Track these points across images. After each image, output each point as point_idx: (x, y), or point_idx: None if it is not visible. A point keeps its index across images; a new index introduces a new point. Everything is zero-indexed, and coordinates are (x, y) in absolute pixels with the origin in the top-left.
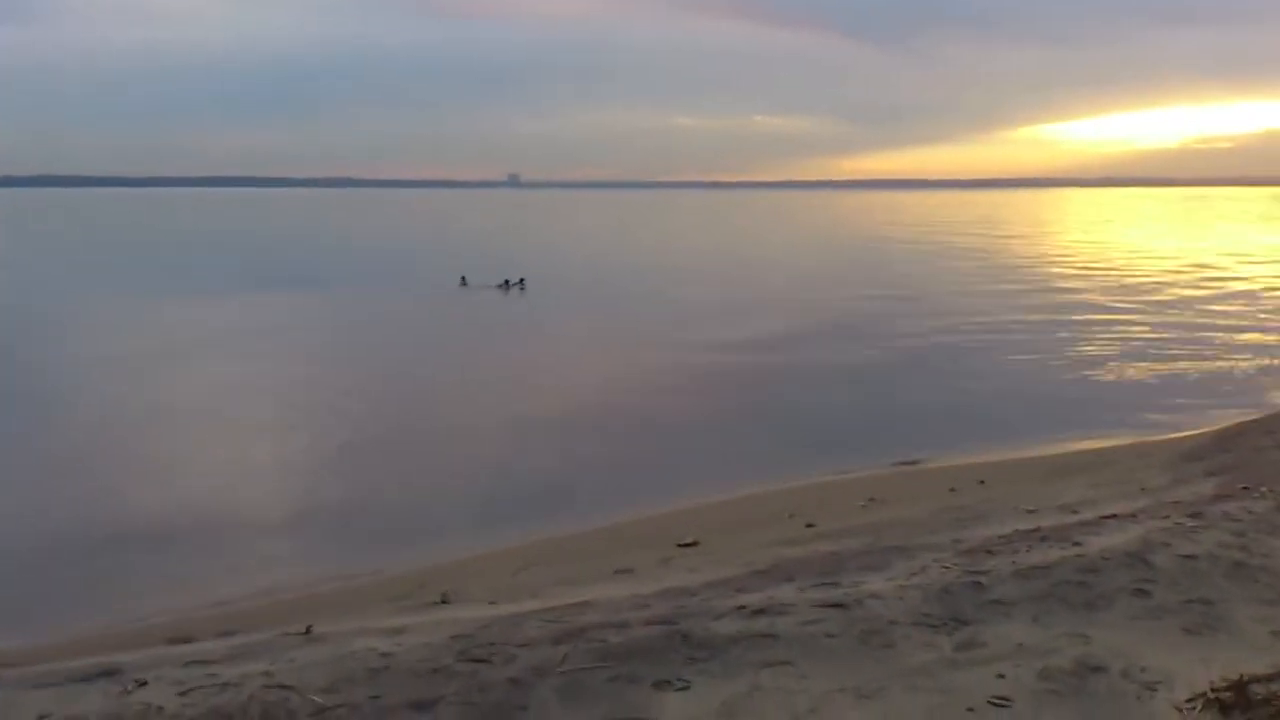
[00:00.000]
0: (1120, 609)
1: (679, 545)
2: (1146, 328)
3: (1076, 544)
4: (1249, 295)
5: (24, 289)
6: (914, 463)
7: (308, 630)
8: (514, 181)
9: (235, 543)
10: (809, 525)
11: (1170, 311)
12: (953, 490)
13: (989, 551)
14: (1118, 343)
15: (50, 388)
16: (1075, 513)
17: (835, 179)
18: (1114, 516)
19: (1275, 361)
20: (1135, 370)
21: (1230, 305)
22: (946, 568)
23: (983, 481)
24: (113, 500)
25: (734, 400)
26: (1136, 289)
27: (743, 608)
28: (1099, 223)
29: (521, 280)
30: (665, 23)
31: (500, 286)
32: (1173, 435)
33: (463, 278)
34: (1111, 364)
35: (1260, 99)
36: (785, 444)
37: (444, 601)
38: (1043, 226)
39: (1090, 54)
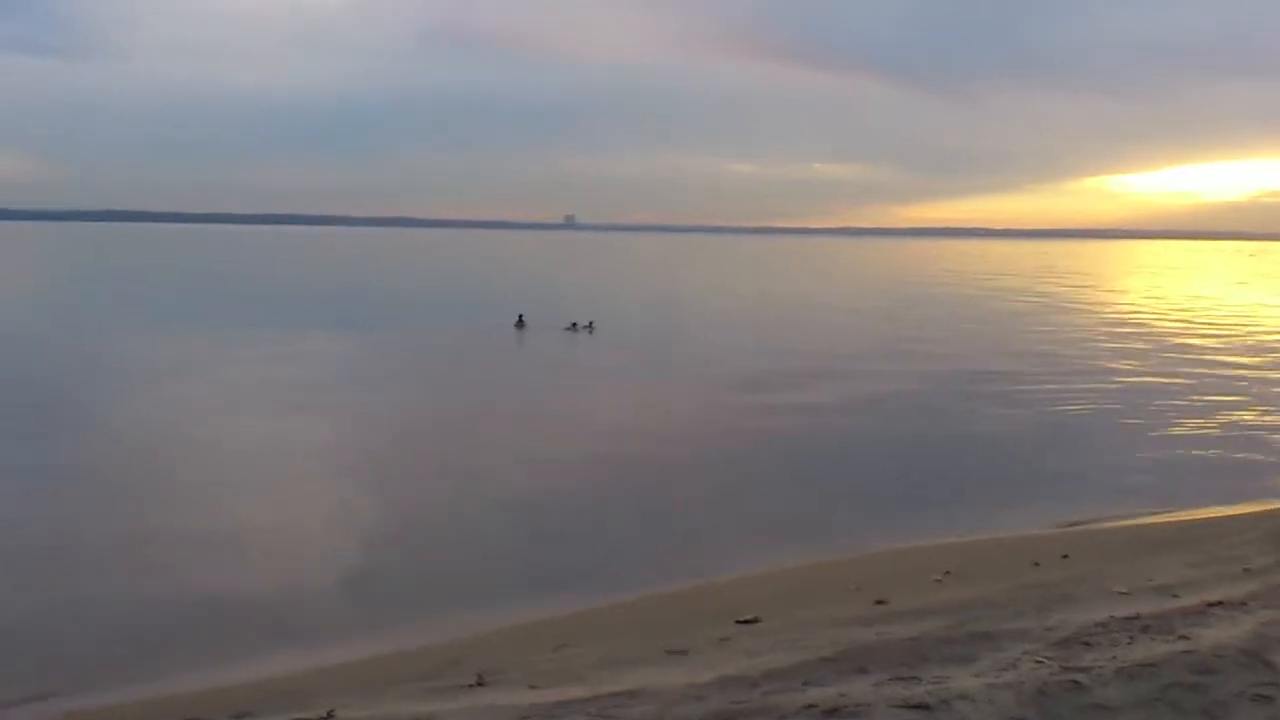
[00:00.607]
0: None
1: (738, 622)
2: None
3: (1184, 637)
4: None
5: (101, 326)
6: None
7: (329, 715)
8: (570, 223)
9: (255, 610)
10: (879, 602)
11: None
12: (1036, 565)
13: (1085, 643)
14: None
15: (89, 430)
16: (1175, 596)
17: (894, 226)
18: (1220, 604)
19: None
20: (1210, 434)
21: None
22: (1040, 662)
23: (1066, 555)
24: (119, 563)
25: (799, 460)
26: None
27: (812, 706)
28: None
29: (590, 324)
30: (723, 68)
31: (568, 329)
32: (1267, 506)
33: (520, 317)
34: (1192, 426)
35: None
36: (850, 506)
37: (479, 684)
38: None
39: (1153, 105)
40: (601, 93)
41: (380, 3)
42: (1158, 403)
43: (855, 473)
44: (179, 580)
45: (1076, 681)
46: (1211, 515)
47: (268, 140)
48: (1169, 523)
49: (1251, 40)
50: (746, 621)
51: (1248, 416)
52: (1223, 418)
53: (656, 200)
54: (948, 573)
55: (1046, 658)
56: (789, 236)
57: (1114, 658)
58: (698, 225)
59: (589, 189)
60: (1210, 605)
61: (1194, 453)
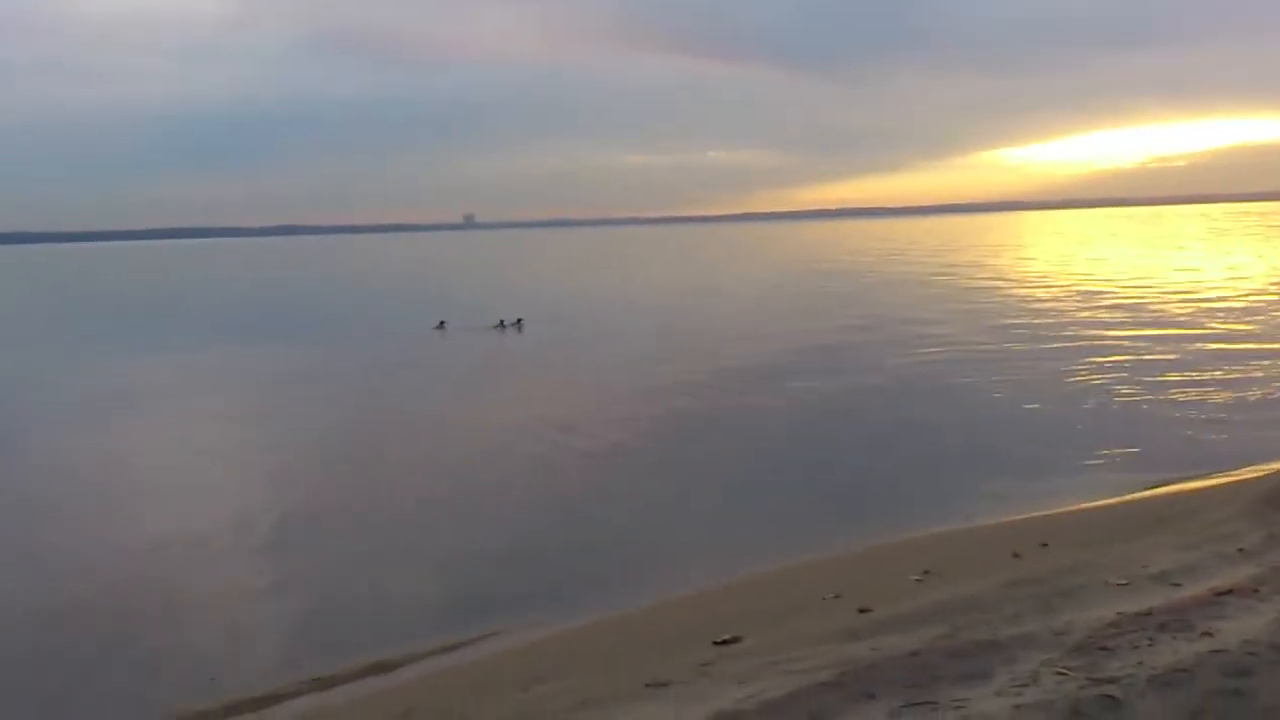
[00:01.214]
0: None
1: (715, 643)
2: (1156, 350)
3: (1206, 634)
4: (1248, 311)
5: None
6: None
7: None
8: (470, 222)
9: (177, 648)
10: (863, 610)
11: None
12: (1016, 556)
13: (1104, 648)
14: (1131, 368)
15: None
16: (1178, 585)
17: (793, 210)
18: (1230, 592)
19: None
20: (1157, 397)
21: (1238, 324)
22: (1063, 674)
23: (1046, 544)
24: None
25: (748, 451)
26: (1133, 309)
27: None
28: (1083, 242)
29: (519, 320)
30: (613, 62)
31: (495, 327)
32: (1239, 475)
33: (441, 322)
34: (1127, 390)
35: (1213, 118)
36: (806, 504)
37: None
38: (1028, 249)
39: (1042, 79)
40: (495, 91)
41: (267, 12)
42: (1104, 373)
43: (806, 469)
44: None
45: (1110, 696)
46: (1186, 489)
47: (157, 157)
48: (1143, 499)
49: (1132, 13)
50: (725, 642)
51: (1181, 378)
52: (1164, 382)
53: (555, 196)
54: (927, 572)
55: (1068, 669)
56: (688, 225)
57: (1141, 663)
58: (597, 219)
59: (487, 188)
60: (1220, 594)
61: (1145, 423)
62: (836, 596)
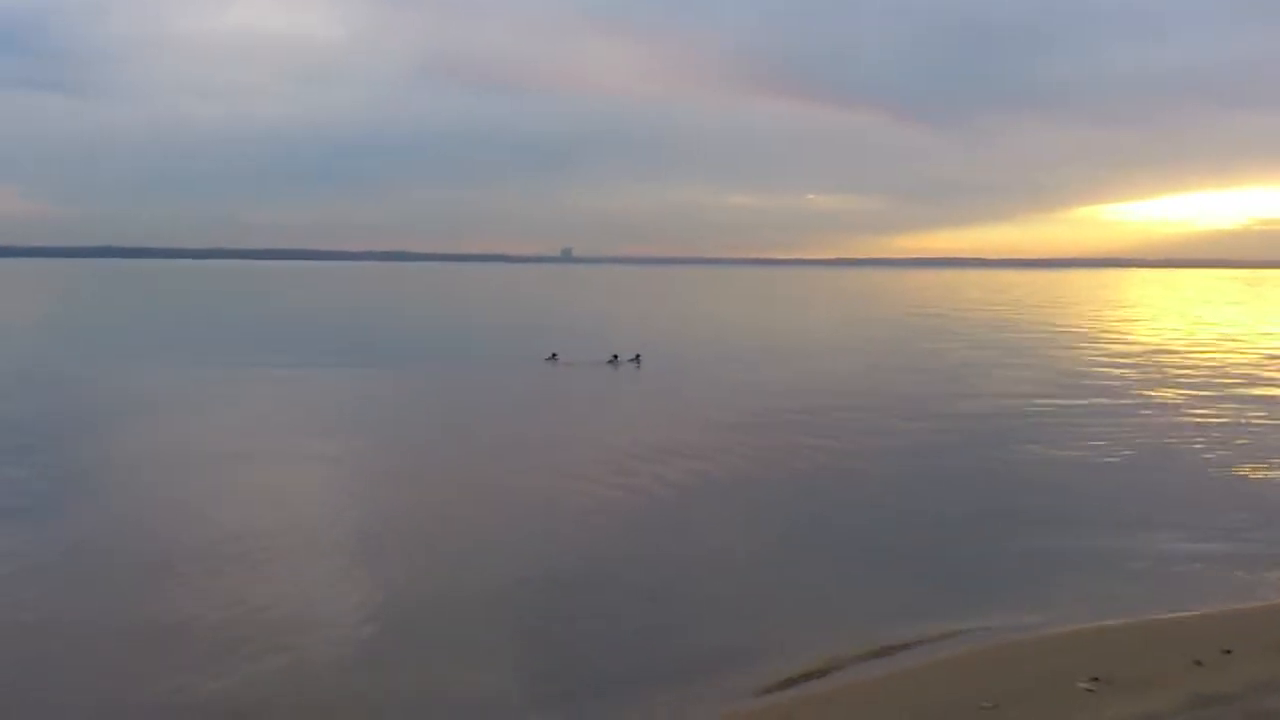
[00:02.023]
0: None
1: None
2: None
3: None
4: None
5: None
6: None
7: None
8: (567, 256)
9: None
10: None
11: None
12: (1198, 664)
13: None
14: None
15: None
16: None
17: (889, 256)
18: None
19: None
20: None
21: None
22: None
23: (1229, 650)
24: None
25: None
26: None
27: None
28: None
29: (637, 356)
30: (721, 102)
31: (609, 362)
32: None
33: (553, 354)
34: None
35: None
36: (928, 578)
37: None
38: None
39: (1148, 135)
40: (598, 126)
41: (380, 38)
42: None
43: (936, 542)
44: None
45: None
46: None
47: (265, 178)
48: None
49: (1241, 73)
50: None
51: None
52: None
53: (653, 232)
54: (1096, 679)
55: None
56: (785, 267)
57: None
58: (694, 257)
59: (585, 222)
60: None
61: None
62: (994, 707)
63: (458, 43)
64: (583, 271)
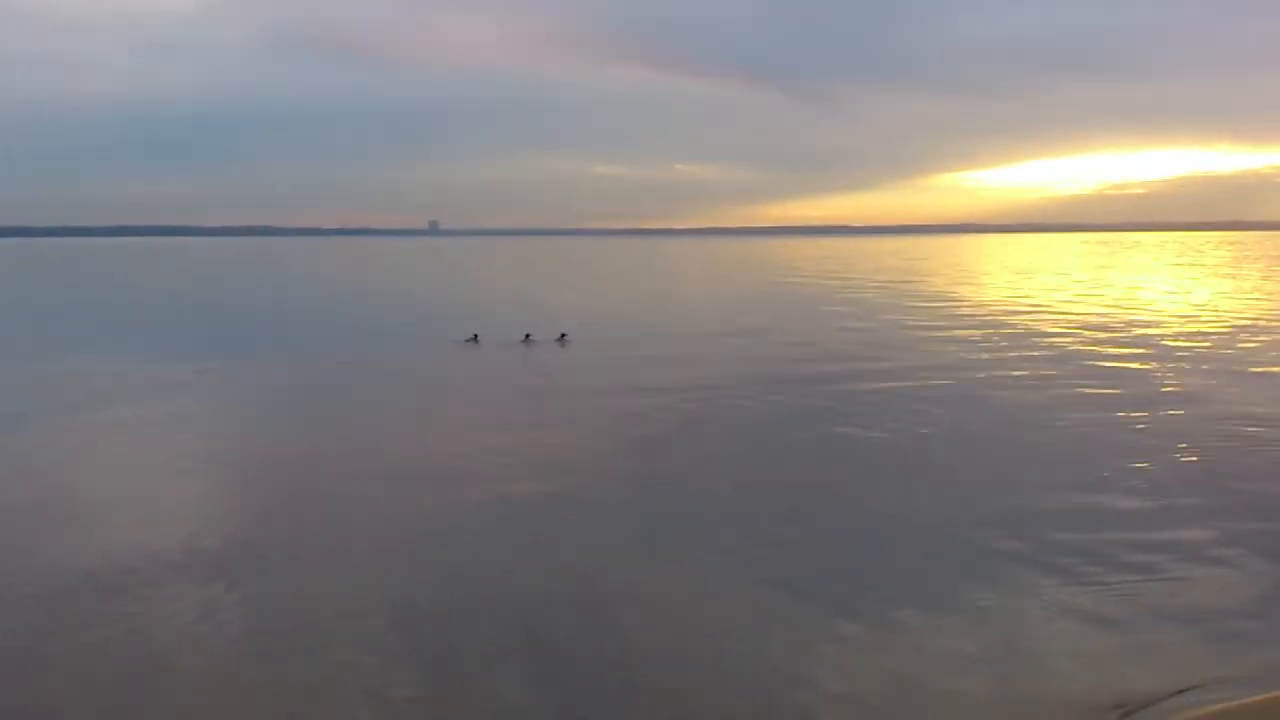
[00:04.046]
0: None
1: None
2: None
3: None
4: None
5: None
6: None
7: None
8: (434, 229)
9: None
10: None
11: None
12: None
13: None
14: None
15: None
16: None
17: (758, 225)
18: None
19: None
20: None
21: None
22: None
23: None
24: None
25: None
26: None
27: None
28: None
29: (563, 335)
30: (582, 71)
31: (522, 341)
32: None
33: (475, 335)
34: None
35: (1169, 147)
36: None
37: None
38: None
39: (1004, 104)
40: (460, 97)
41: (229, 9)
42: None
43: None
44: None
45: None
46: None
47: (115, 152)
48: None
49: (1094, 44)
50: None
51: None
52: None
53: (520, 203)
54: None
55: None
56: (656, 237)
57: None
58: (562, 228)
59: (451, 193)
60: None
61: None
62: None
63: (312, 14)
64: (452, 244)
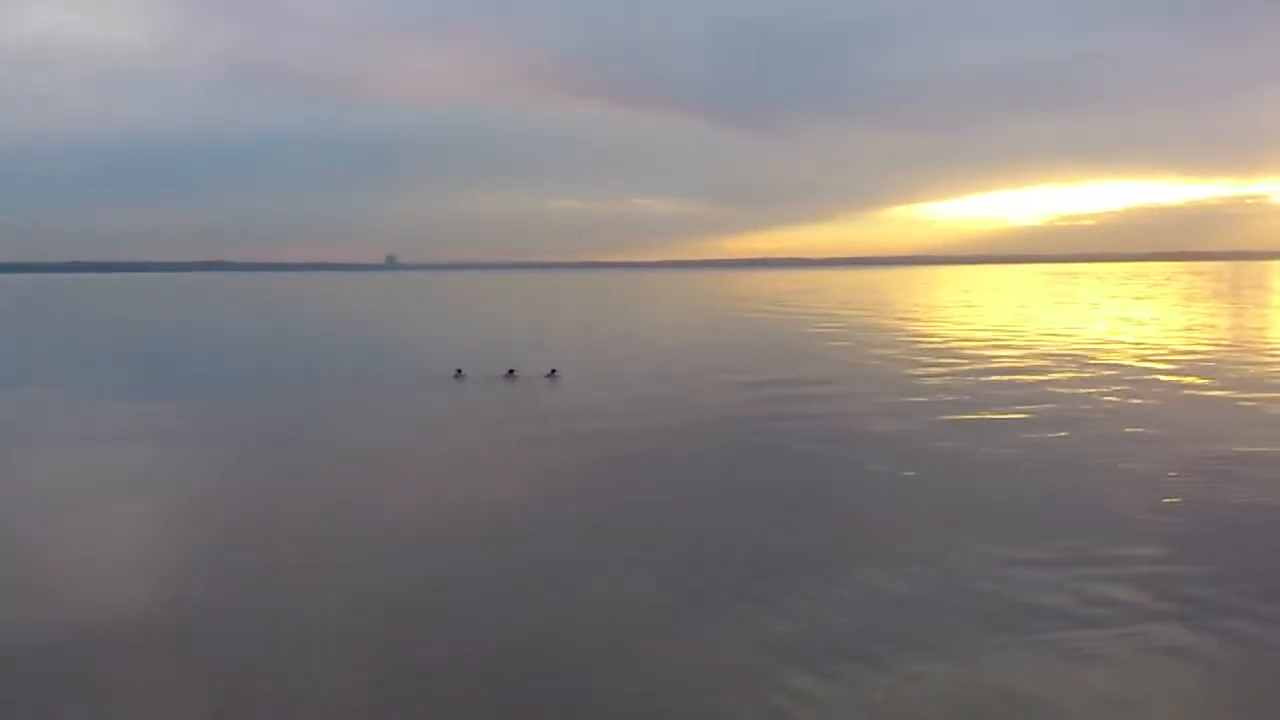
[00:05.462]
0: None
1: None
2: None
3: None
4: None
5: None
6: None
7: None
8: (392, 263)
9: None
10: None
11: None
12: None
13: None
14: None
15: None
16: None
17: (715, 258)
18: None
19: None
20: None
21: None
22: None
23: None
24: None
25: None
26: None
27: None
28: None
29: (553, 370)
30: (539, 106)
31: (505, 376)
32: None
33: (458, 370)
34: None
35: (1119, 179)
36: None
37: None
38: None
39: (956, 137)
40: (416, 132)
41: (188, 45)
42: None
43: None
44: None
45: None
46: None
47: (69, 187)
48: None
49: (1045, 76)
50: None
51: None
52: None
53: (476, 238)
54: None
55: None
56: (614, 271)
57: None
58: (521, 261)
59: (408, 228)
60: None
61: None
62: None
63: (269, 50)
64: (411, 278)
